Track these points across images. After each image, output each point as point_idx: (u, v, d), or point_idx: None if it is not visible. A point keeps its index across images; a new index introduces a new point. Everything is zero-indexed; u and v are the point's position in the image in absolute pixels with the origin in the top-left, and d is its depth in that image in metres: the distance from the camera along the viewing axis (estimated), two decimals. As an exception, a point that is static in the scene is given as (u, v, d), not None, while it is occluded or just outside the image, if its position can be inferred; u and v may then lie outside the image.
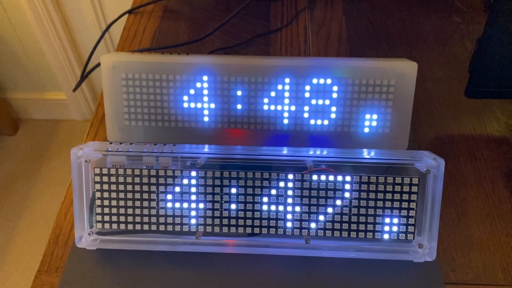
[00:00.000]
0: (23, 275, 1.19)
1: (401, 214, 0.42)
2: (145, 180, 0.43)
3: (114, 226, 0.44)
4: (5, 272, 1.20)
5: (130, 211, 0.44)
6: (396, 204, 0.42)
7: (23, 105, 1.52)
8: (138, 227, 0.44)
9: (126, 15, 0.76)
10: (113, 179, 0.43)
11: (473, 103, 0.60)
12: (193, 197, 0.43)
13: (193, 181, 0.43)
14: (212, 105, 0.51)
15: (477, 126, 0.58)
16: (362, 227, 0.43)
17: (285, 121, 0.51)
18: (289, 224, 0.43)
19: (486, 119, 0.59)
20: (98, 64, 0.60)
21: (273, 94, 0.51)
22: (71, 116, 1.54)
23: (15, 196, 1.37)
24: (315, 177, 0.42)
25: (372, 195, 0.42)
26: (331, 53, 0.69)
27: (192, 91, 0.51)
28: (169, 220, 0.44)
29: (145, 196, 0.44)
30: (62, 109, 1.52)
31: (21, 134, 1.54)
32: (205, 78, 0.50)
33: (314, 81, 0.50)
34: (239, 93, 0.51)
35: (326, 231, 0.43)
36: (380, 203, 0.42)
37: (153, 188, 0.43)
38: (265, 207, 0.43)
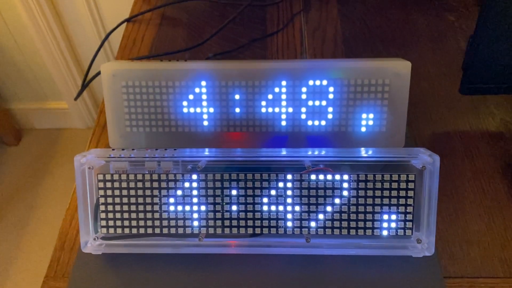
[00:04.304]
0: (30, 282, 1.20)
1: (399, 210, 0.43)
2: (147, 184, 0.44)
3: (119, 230, 0.45)
4: (12, 280, 1.21)
5: (133, 215, 0.45)
6: (394, 201, 0.43)
7: (26, 115, 1.53)
8: (142, 231, 0.45)
9: (125, 24, 0.77)
10: (116, 184, 0.44)
11: (468, 100, 0.61)
12: (195, 200, 0.44)
13: (195, 184, 0.44)
14: (211, 110, 0.52)
15: (473, 122, 0.59)
16: (361, 224, 0.44)
17: (283, 123, 0.52)
18: (289, 224, 0.44)
19: (482, 115, 0.60)
20: (99, 73, 0.61)
21: (270, 96, 0.52)
22: (73, 125, 1.55)
23: (20, 205, 1.38)
24: (313, 176, 0.43)
25: (370, 193, 0.43)
26: (327, 55, 0.70)
27: (191, 97, 0.52)
28: (172, 223, 0.45)
29: (148, 200, 0.44)
30: (64, 118, 1.53)
31: (24, 144, 1.55)
32: (203, 83, 0.51)
33: (310, 82, 0.51)
34: (237, 97, 0.52)
35: (326, 230, 0.44)
36: (378, 200, 0.43)
37: (156, 192, 0.44)
38: (265, 208, 0.44)
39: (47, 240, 1.29)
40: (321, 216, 0.44)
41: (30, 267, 1.24)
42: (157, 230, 0.45)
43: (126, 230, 0.45)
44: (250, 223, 0.44)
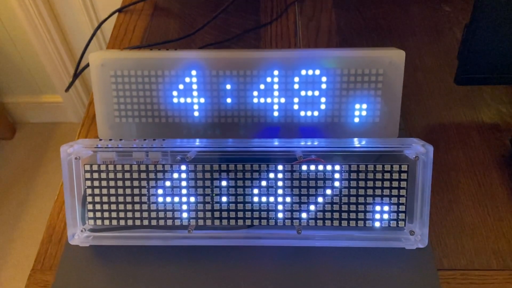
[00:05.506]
0: (23, 277, 1.20)
1: (392, 201, 0.43)
2: (135, 175, 0.43)
3: (106, 222, 0.44)
4: (5, 276, 1.20)
5: (121, 207, 0.44)
6: (386, 192, 0.42)
7: (20, 109, 1.52)
8: (130, 222, 0.44)
9: (117, 14, 0.76)
10: (103, 175, 0.43)
11: (464, 91, 0.60)
12: (184, 191, 0.43)
13: (183, 175, 0.43)
14: (202, 100, 0.51)
15: (468, 113, 0.58)
16: (353, 215, 0.43)
17: (275, 114, 0.52)
18: (280, 215, 0.43)
19: (477, 106, 0.59)
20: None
21: (262, 86, 0.51)
22: (67, 119, 1.54)
23: (14, 199, 1.37)
24: (304, 167, 0.42)
25: (362, 184, 0.42)
26: (321, 46, 0.69)
27: (181, 86, 0.51)
28: (161, 214, 0.44)
29: (136, 191, 0.44)
30: (58, 111, 1.52)
31: (19, 138, 1.54)
32: (193, 72, 0.50)
33: (303, 72, 0.50)
34: (228, 87, 0.51)
35: (318, 221, 0.43)
36: (370, 191, 0.42)
37: (144, 183, 0.43)
38: (256, 199, 0.43)
39: (41, 234, 1.28)
40: (312, 207, 0.43)
41: (24, 262, 1.23)
42: (146, 222, 0.44)
43: (114, 222, 0.44)
44: (240, 214, 0.43)
